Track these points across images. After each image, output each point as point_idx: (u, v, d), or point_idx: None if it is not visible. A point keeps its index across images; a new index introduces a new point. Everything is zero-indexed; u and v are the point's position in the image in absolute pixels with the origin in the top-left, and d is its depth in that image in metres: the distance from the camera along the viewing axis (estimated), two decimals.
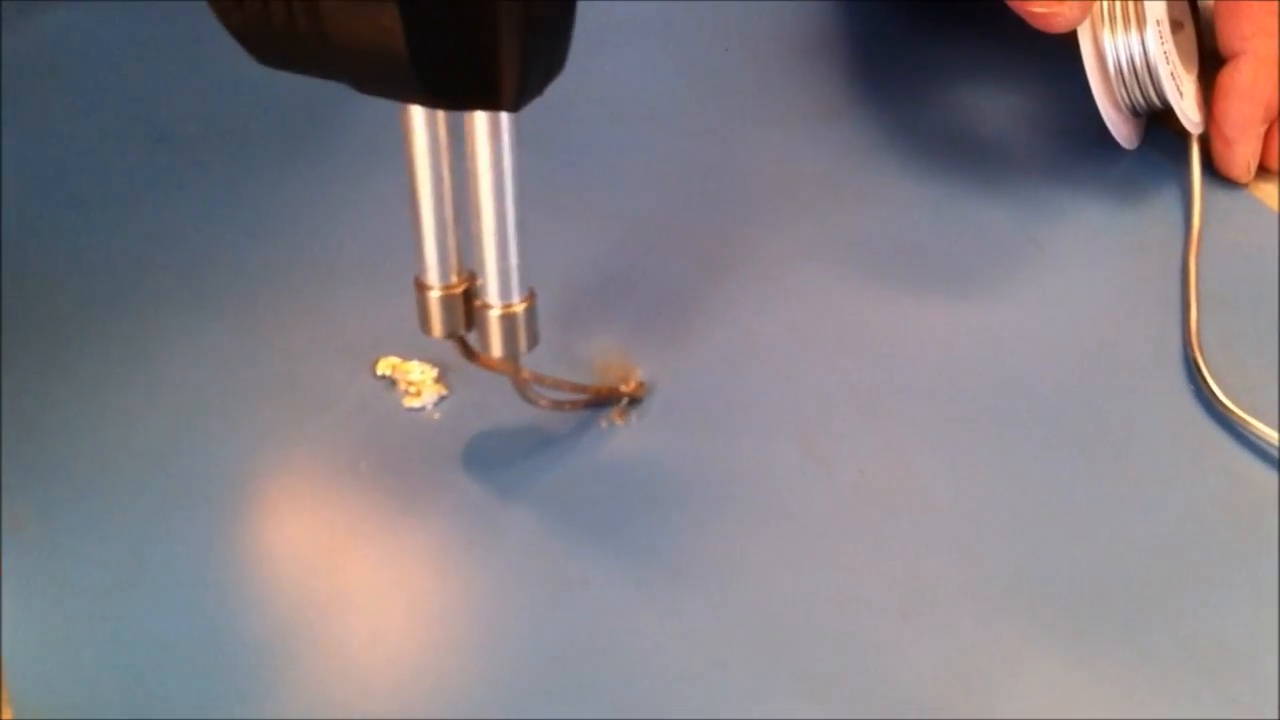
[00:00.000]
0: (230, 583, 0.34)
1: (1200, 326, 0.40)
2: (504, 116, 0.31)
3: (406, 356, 0.40)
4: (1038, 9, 0.41)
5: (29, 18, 0.52)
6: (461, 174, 0.32)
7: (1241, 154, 0.45)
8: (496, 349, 0.34)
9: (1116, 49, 0.44)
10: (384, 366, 0.39)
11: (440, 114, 0.31)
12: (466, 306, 0.34)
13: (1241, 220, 0.44)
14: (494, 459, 0.37)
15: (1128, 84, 0.45)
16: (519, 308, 0.34)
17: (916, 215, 0.45)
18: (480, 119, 0.31)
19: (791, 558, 0.35)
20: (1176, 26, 0.46)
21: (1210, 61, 0.47)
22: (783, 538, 0.36)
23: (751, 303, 0.42)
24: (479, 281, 0.33)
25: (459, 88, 0.29)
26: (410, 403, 0.39)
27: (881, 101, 0.49)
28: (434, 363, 0.39)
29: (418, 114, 0.31)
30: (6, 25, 0.52)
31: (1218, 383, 0.39)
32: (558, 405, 0.38)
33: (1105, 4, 0.44)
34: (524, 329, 0.34)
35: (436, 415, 0.39)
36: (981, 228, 0.44)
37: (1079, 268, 0.43)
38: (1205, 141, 0.46)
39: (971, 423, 0.39)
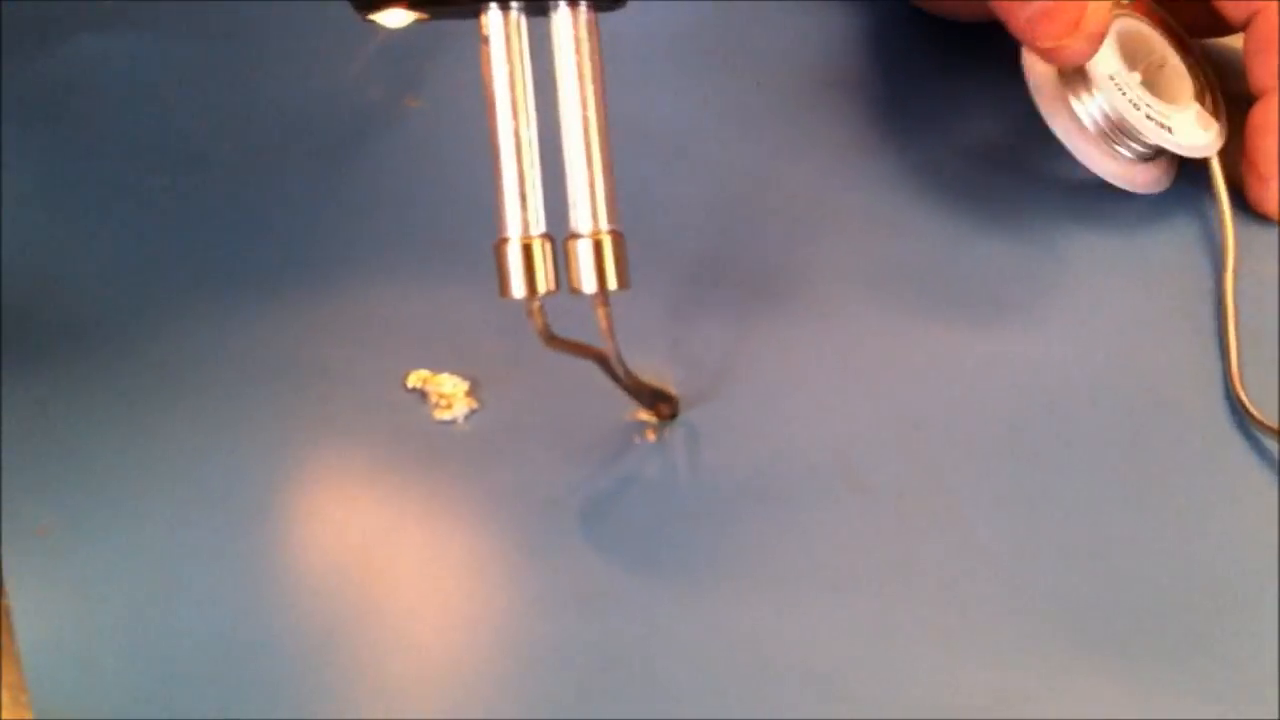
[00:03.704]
0: (259, 591, 0.34)
1: (1240, 358, 0.40)
2: (586, 23, 0.31)
3: (438, 369, 0.39)
4: (1045, 44, 0.41)
5: (66, 42, 0.52)
6: (544, 124, 0.32)
7: (1275, 191, 0.45)
8: (587, 282, 0.33)
9: (1088, 111, 0.44)
10: (414, 379, 0.39)
11: (521, 43, 0.32)
12: (551, 264, 0.33)
13: (1276, 252, 0.44)
14: (526, 472, 0.37)
15: (1115, 139, 0.44)
16: (608, 237, 0.33)
17: (951, 246, 0.44)
18: (565, 23, 0.31)
19: (828, 580, 0.35)
20: (1157, 67, 0.46)
21: (1237, 98, 0.47)
22: (819, 560, 0.35)
23: (787, 330, 0.41)
24: (569, 213, 0.33)
25: None
26: (441, 415, 0.38)
27: (912, 134, 0.49)
28: (466, 376, 0.39)
29: (496, 43, 0.32)
30: (44, 49, 0.52)
31: (1260, 412, 0.38)
32: (634, 386, 0.36)
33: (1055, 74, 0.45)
34: (614, 260, 0.33)
35: (468, 428, 0.38)
36: (1016, 258, 0.44)
37: (1114, 297, 0.43)
38: (1228, 168, 0.45)
39: (1010, 450, 0.38)
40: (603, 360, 0.35)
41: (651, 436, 0.38)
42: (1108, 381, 0.40)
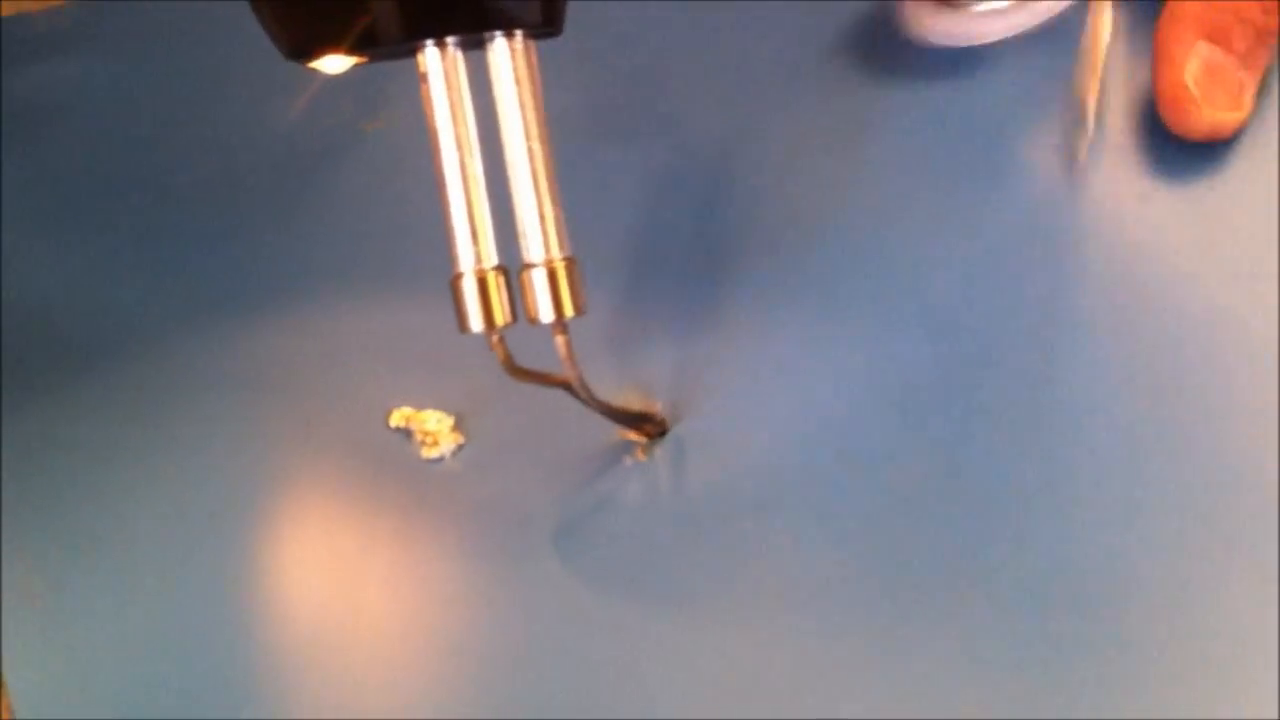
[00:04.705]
0: (249, 646, 0.34)
1: None
2: (524, 53, 0.32)
3: (420, 406, 0.39)
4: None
5: (30, 69, 0.52)
6: (489, 159, 0.32)
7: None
8: (544, 312, 0.33)
9: None
10: (397, 418, 0.38)
11: (460, 78, 0.32)
12: (506, 296, 0.33)
13: None
14: (518, 504, 0.36)
15: None
16: (562, 263, 0.33)
17: (934, 239, 0.43)
18: (502, 55, 0.32)
19: (834, 584, 0.34)
20: None
21: None
22: (824, 562, 0.34)
23: (776, 327, 0.40)
24: (520, 244, 0.33)
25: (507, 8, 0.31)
26: (428, 453, 0.38)
27: (910, 114, 0.47)
28: (450, 411, 0.38)
29: (436, 81, 0.32)
30: (8, 76, 0.52)
31: None
32: (606, 409, 0.36)
33: None
34: (569, 286, 0.33)
35: (457, 465, 0.38)
36: (1019, 234, 0.43)
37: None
38: None
39: (1007, 444, 0.36)
40: (569, 387, 0.35)
41: (642, 456, 0.37)
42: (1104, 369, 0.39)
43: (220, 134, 0.49)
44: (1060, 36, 0.45)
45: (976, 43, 0.45)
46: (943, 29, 0.44)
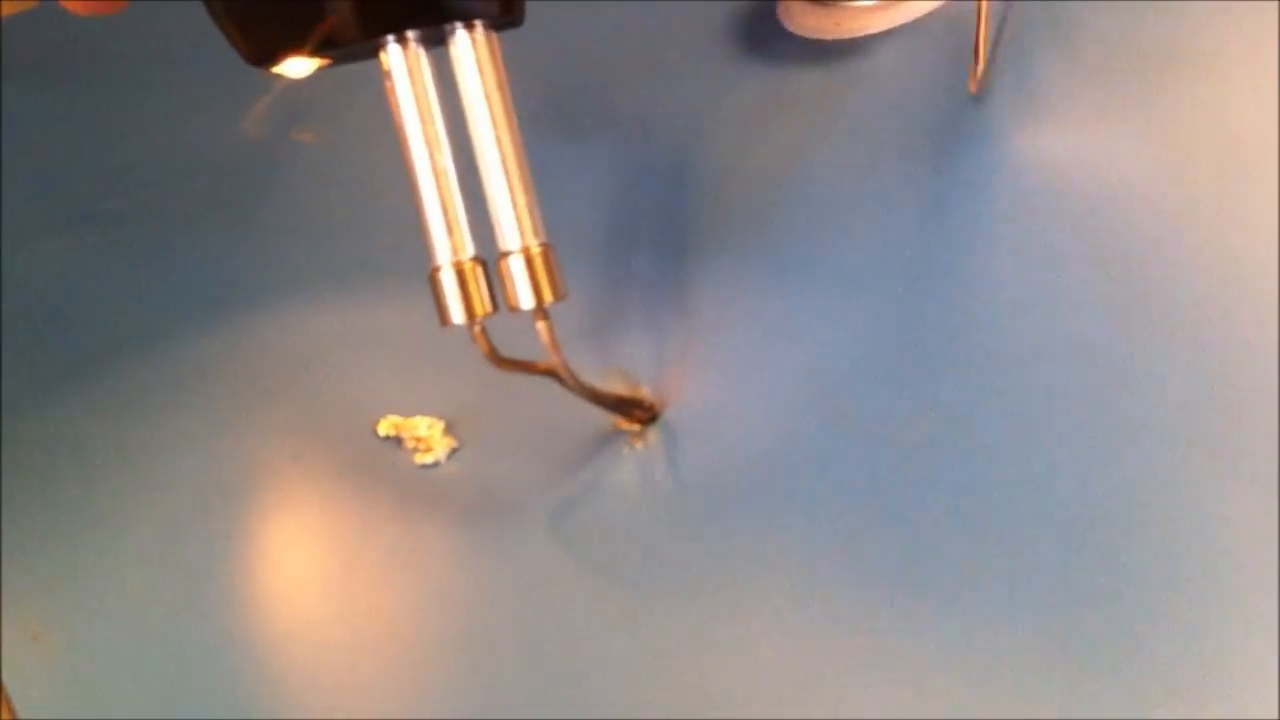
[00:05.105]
0: (256, 670, 0.33)
1: None
2: (486, 44, 0.32)
3: (407, 413, 0.38)
4: None
5: (29, 70, 0.51)
6: (458, 151, 0.32)
7: None
8: (524, 299, 0.33)
9: None
10: (385, 427, 0.38)
11: (424, 73, 0.32)
12: (485, 286, 0.33)
13: None
14: (520, 503, 0.36)
15: None
16: (538, 249, 0.33)
17: (897, 192, 0.43)
18: (465, 47, 0.32)
19: (840, 559, 0.34)
20: None
21: None
22: (829, 537, 0.34)
23: (753, 301, 0.40)
24: (496, 233, 0.33)
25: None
26: (422, 459, 0.37)
27: (904, 110, 0.47)
28: (439, 415, 0.38)
29: (400, 78, 0.32)
30: (8, 76, 0.51)
31: None
32: (593, 394, 0.36)
33: None
34: (547, 272, 0.33)
35: (454, 468, 0.37)
36: (1002, 214, 0.42)
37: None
38: None
39: (1007, 427, 0.35)
40: (554, 374, 0.34)
41: (639, 444, 0.37)
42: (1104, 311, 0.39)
43: (137, 157, 0.48)
44: (935, 28, 0.45)
45: (855, 35, 0.46)
46: (816, 25, 0.46)
